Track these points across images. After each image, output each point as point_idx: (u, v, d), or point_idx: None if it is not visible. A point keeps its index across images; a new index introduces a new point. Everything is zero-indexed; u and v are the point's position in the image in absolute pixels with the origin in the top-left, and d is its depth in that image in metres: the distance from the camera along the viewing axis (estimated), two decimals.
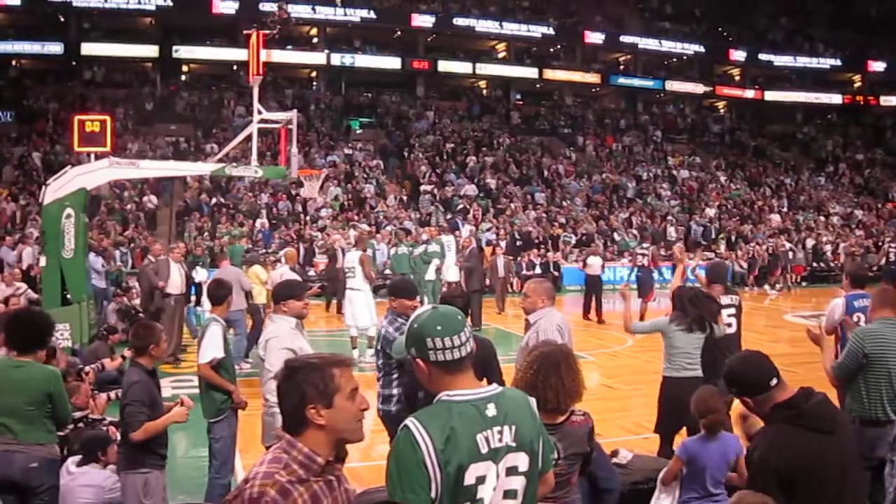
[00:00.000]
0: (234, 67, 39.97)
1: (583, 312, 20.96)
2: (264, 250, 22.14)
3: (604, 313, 20.74)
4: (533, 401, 3.22)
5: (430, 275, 19.16)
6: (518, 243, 29.19)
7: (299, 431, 2.82)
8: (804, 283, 30.84)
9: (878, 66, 52.32)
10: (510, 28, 45.75)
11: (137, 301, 16.46)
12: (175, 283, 14.57)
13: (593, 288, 21.41)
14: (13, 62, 40.63)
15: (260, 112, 15.89)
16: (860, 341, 5.99)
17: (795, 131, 52.14)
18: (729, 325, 8.22)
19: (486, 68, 46.33)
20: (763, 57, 50.99)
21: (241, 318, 14.05)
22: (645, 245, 21.67)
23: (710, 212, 36.52)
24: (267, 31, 16.62)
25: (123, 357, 10.72)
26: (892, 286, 7.20)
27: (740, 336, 8.43)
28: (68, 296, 13.68)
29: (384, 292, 15.19)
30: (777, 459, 3.86)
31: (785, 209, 39.42)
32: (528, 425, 3.05)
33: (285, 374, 2.88)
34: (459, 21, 44.83)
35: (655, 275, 21.52)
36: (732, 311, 8.46)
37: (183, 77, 43.30)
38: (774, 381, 3.94)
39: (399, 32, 44.95)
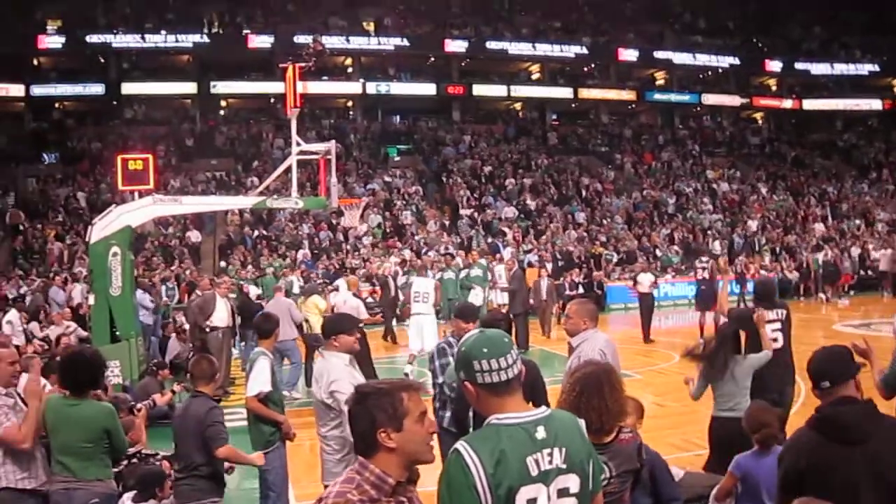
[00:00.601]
0: (272, 100, 40.42)
1: (643, 337, 20.45)
2: (321, 280, 22.24)
3: (652, 331, 20.52)
4: (582, 422, 3.24)
5: (475, 300, 19.13)
6: (560, 264, 29.09)
7: (371, 454, 2.91)
8: (852, 292, 30.42)
9: None
10: (543, 49, 45.82)
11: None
12: (221, 316, 14.80)
13: (645, 306, 20.92)
14: (56, 105, 41.46)
15: (298, 144, 15.96)
16: None
17: (836, 139, 51.49)
18: (775, 339, 8.06)
19: (520, 90, 46.45)
20: (799, 66, 50.59)
21: (293, 348, 14.38)
22: (704, 259, 21.84)
23: (753, 224, 36.18)
24: (302, 64, 16.73)
25: (174, 392, 10.88)
26: None
27: (790, 349, 8.26)
28: (117, 333, 13.81)
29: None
30: (788, 460, 3.91)
31: (829, 218, 38.99)
32: (578, 447, 3.07)
33: (356, 399, 2.98)
34: (492, 45, 45.01)
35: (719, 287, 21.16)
36: (778, 325, 8.29)
37: (221, 112, 43.84)
38: (826, 384, 3.94)
39: (433, 59, 45.28)
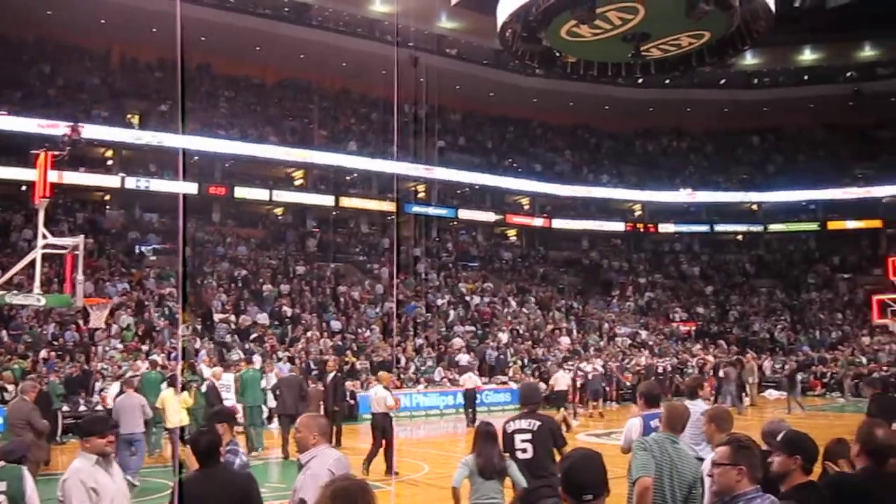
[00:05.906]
0: (23, 188, 38.23)
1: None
2: (195, 378, 21.31)
3: (406, 441, 20.99)
4: None
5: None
6: (314, 372, 28.80)
7: None
8: (593, 404, 31.73)
9: (656, 195, 56.25)
10: (307, 156, 46.07)
11: None
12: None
13: (469, 402, 26.27)
14: None
15: (45, 236, 15.33)
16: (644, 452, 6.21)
17: (582, 257, 54.87)
18: (524, 450, 8.17)
19: (282, 195, 46.15)
20: (550, 187, 53.61)
21: (141, 439, 15.50)
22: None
23: (503, 337, 37.38)
24: (57, 152, 16.18)
25: None
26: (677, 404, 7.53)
27: (541, 459, 8.18)
28: None
29: None
30: None
31: (574, 332, 40.92)
32: None
33: None
34: (257, 148, 44.76)
35: None
36: (528, 436, 8.24)
37: None
38: (589, 497, 3.98)
39: (196, 157, 44.49)
